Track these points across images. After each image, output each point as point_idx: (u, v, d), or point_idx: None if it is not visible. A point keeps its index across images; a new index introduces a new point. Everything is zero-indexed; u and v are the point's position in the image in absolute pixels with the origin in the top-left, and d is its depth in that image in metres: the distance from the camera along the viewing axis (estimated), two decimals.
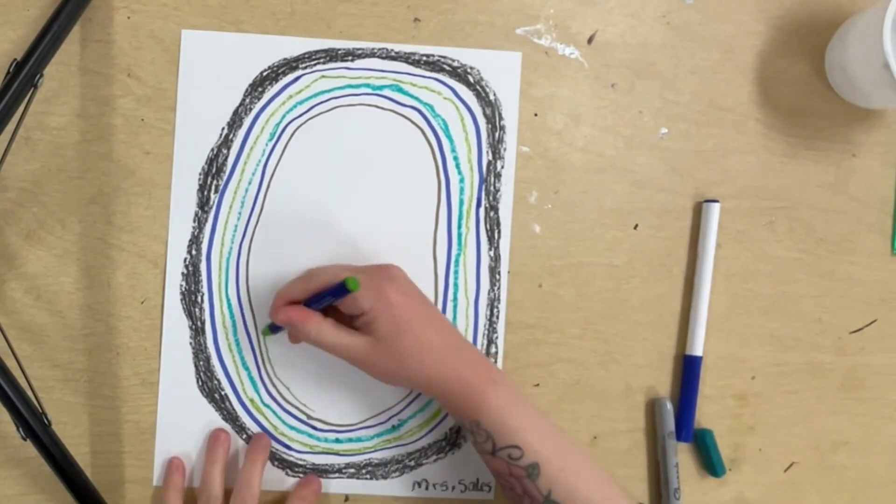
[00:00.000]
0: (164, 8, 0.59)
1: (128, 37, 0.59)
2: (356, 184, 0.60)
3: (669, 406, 0.60)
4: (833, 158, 0.62)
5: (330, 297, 0.53)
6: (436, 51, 0.60)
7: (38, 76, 0.53)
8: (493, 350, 0.60)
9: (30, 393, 0.52)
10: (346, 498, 0.60)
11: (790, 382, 0.62)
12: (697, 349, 0.61)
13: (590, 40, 0.61)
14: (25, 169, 0.59)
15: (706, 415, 0.61)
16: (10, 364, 0.52)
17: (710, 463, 0.61)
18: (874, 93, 0.59)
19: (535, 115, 0.61)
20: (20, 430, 0.52)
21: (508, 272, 0.61)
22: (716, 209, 0.61)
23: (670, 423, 0.60)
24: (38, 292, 0.59)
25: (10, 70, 0.53)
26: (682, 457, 0.61)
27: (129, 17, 0.59)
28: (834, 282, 0.62)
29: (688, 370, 0.61)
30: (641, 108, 0.61)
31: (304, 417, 0.60)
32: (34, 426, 0.52)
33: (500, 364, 0.60)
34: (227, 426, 0.59)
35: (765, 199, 0.62)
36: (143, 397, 0.59)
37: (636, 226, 0.61)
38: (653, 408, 0.61)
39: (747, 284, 0.62)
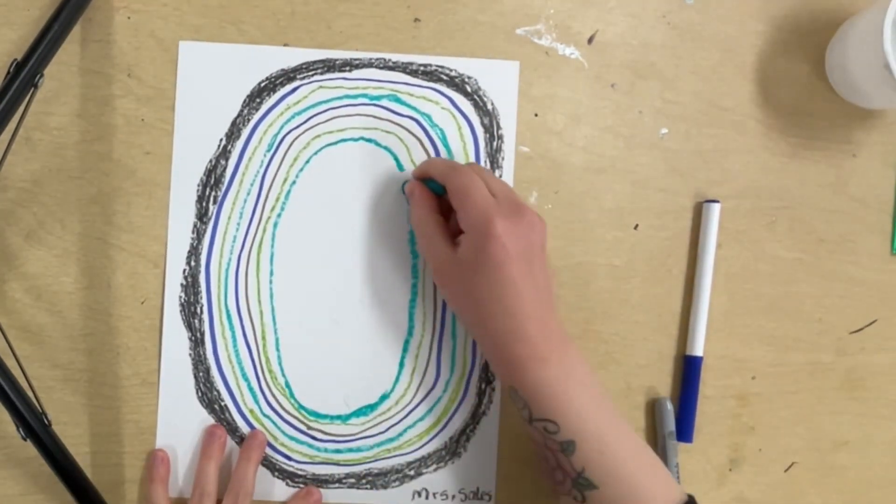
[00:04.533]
0: (164, 8, 0.59)
1: (128, 37, 0.59)
2: (355, 193, 0.59)
3: (670, 406, 0.60)
4: (833, 158, 0.62)
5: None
6: (434, 60, 0.60)
7: (38, 76, 0.53)
8: None
9: (30, 393, 0.52)
10: None
11: (790, 382, 0.62)
12: (697, 349, 0.61)
13: (590, 40, 0.61)
14: (25, 169, 0.59)
15: (706, 415, 0.61)
16: (10, 364, 0.52)
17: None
18: (874, 93, 0.59)
19: (535, 115, 0.61)
20: (20, 430, 0.52)
21: None
22: (716, 209, 0.61)
23: (671, 423, 0.60)
24: (38, 292, 0.59)
25: (10, 70, 0.53)
26: (682, 457, 0.61)
27: (129, 18, 0.59)
28: (834, 282, 0.62)
29: (688, 370, 0.61)
30: (641, 108, 0.61)
31: (304, 428, 0.59)
32: (34, 426, 0.52)
33: None
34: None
35: (765, 199, 0.62)
36: (143, 397, 0.59)
37: (636, 226, 0.61)
38: (653, 408, 0.61)
39: (747, 284, 0.62)
